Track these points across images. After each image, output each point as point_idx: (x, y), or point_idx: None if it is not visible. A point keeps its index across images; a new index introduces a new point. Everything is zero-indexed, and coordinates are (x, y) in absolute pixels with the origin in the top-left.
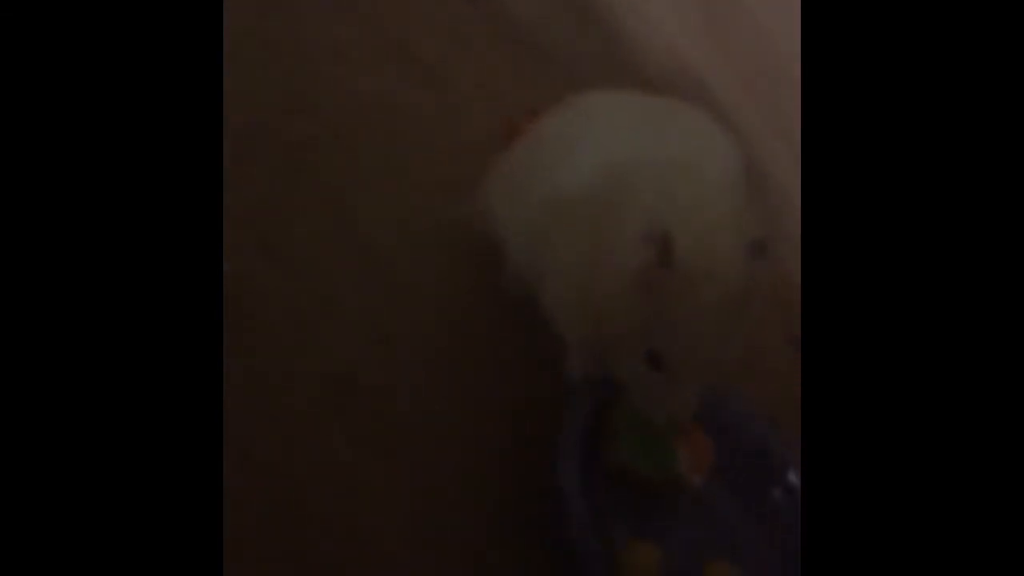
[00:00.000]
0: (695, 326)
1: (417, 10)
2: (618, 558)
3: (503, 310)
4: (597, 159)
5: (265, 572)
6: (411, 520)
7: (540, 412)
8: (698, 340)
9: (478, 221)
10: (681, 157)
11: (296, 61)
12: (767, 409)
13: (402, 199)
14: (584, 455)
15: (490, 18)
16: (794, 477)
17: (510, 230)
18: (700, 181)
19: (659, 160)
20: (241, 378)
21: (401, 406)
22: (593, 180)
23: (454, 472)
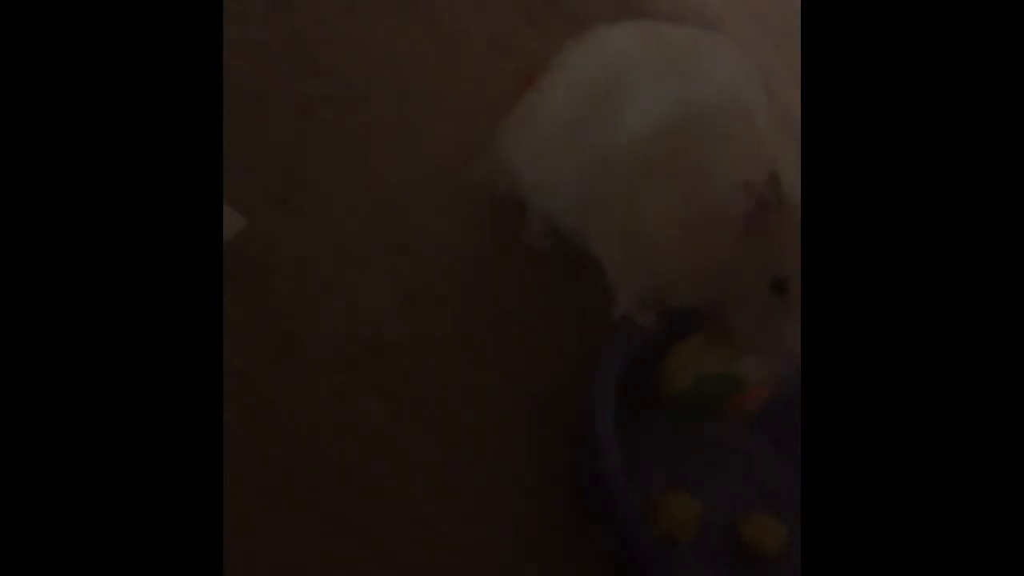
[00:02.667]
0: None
1: None
2: (656, 508)
3: (527, 264)
4: (647, 111)
5: (291, 531)
6: (438, 476)
7: (569, 364)
8: None
9: (497, 177)
10: (726, 97)
11: (305, 17)
12: None
13: (419, 156)
14: (619, 403)
15: None
16: None
17: (542, 186)
18: (752, 118)
19: (711, 104)
20: (267, 337)
21: (427, 362)
22: (649, 133)
23: (482, 427)
